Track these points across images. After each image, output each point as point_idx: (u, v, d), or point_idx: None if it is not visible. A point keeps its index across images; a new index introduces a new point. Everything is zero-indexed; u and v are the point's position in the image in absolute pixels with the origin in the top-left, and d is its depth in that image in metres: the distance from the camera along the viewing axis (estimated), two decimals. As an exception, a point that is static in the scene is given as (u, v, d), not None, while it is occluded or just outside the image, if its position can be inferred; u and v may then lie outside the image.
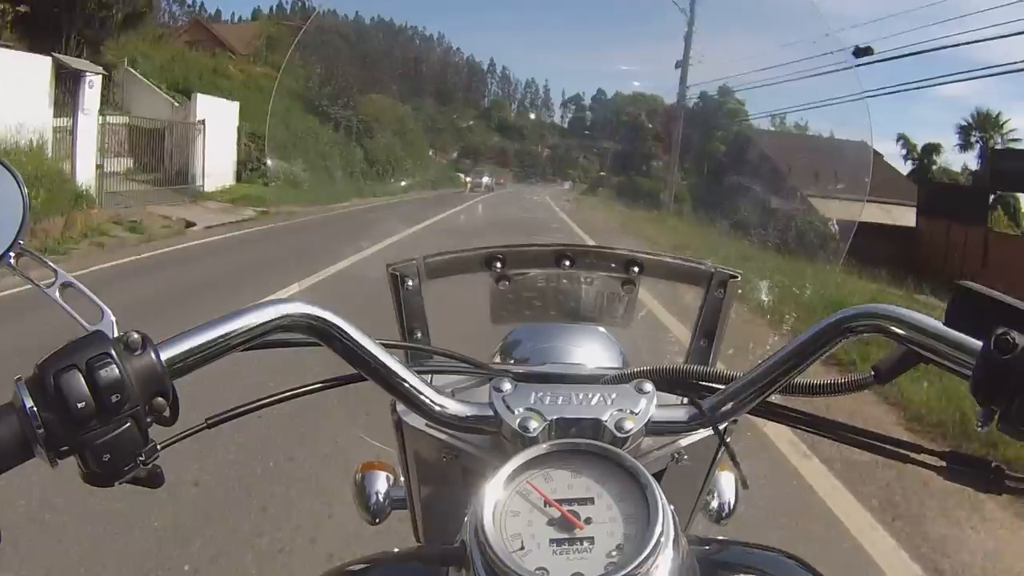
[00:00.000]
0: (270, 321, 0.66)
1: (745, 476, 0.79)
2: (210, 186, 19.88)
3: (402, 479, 0.99)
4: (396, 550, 0.82)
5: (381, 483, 1.13)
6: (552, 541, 0.60)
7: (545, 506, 0.62)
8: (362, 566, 0.78)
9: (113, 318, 0.64)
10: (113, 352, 0.58)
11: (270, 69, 30.15)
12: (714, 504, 1.14)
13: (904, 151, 43.13)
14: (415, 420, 0.80)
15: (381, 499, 1.12)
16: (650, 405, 0.73)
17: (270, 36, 34.38)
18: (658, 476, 0.81)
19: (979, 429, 0.65)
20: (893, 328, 0.69)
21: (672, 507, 0.63)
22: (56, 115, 14.80)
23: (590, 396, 0.73)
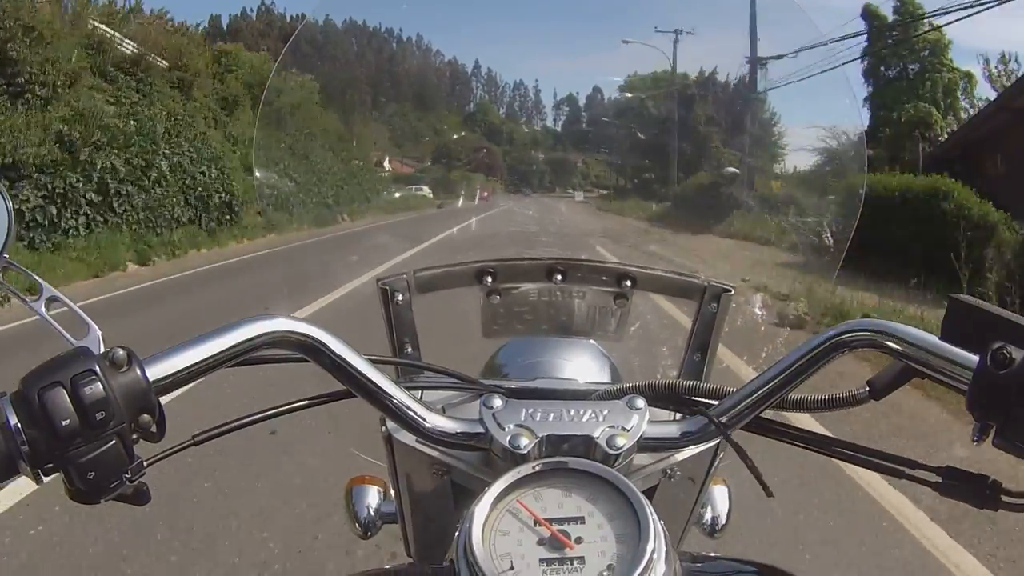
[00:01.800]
0: (257, 337, 0.66)
1: (764, 483, 0.78)
2: None
3: (393, 493, 0.98)
4: (386, 567, 0.81)
5: (372, 497, 1.12)
6: (542, 561, 0.59)
7: (535, 525, 0.61)
8: None
9: (99, 333, 0.63)
10: (98, 369, 0.58)
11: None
12: (707, 518, 1.13)
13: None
14: (405, 436, 0.79)
15: (372, 513, 1.11)
16: (642, 421, 0.73)
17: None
18: (650, 492, 0.80)
19: (974, 443, 0.64)
20: (889, 343, 0.69)
21: (664, 524, 0.62)
22: None
23: (581, 412, 0.73)
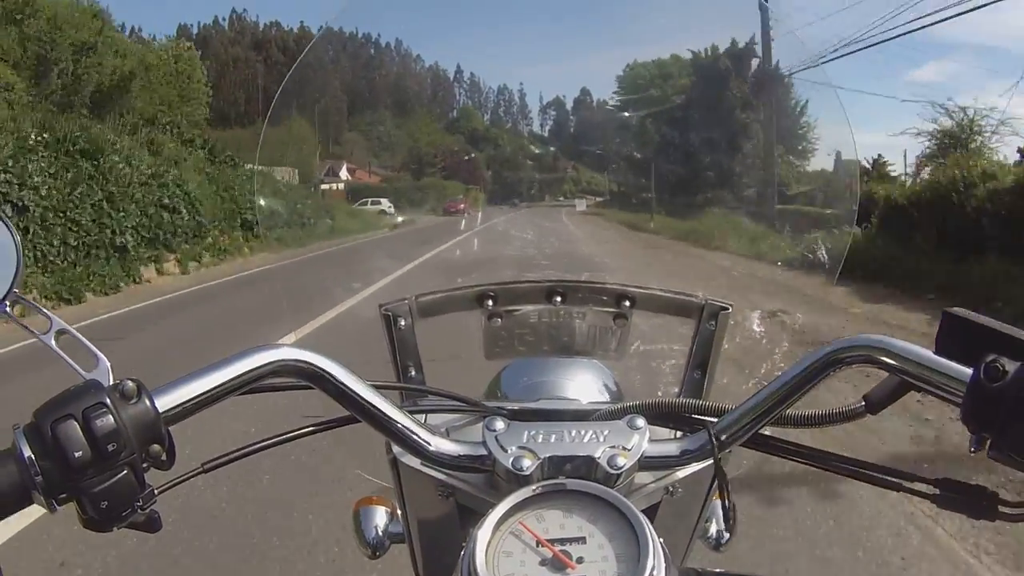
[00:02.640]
0: (262, 366, 0.67)
1: (734, 510, 0.79)
2: None
3: (400, 514, 0.99)
4: None
5: (380, 518, 1.13)
6: None
7: (537, 546, 0.62)
8: None
9: (108, 365, 0.65)
10: (109, 401, 0.59)
11: None
12: (712, 532, 1.14)
13: None
14: (410, 459, 0.80)
15: (380, 533, 1.12)
16: (643, 441, 0.74)
17: None
18: (653, 509, 0.81)
19: (971, 454, 0.65)
20: (884, 358, 0.69)
21: (664, 542, 0.63)
22: None
23: (583, 433, 0.74)
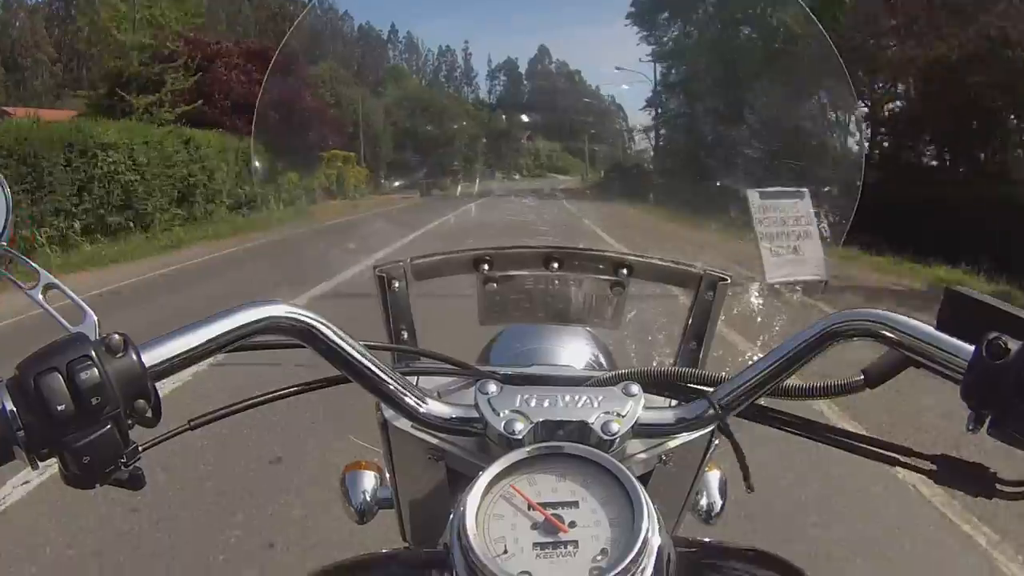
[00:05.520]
0: (253, 323, 0.66)
1: (726, 483, 0.78)
2: None
3: (388, 479, 0.98)
4: (383, 551, 0.81)
5: (368, 482, 1.12)
6: (536, 545, 0.59)
7: (529, 510, 0.62)
8: (345, 568, 0.78)
9: (95, 319, 0.64)
10: (94, 354, 0.58)
11: None
12: (702, 504, 1.14)
13: None
14: (401, 422, 0.80)
15: (368, 499, 1.11)
16: (637, 407, 0.73)
17: None
18: (645, 478, 0.81)
19: (968, 432, 0.65)
20: (885, 332, 0.69)
21: (658, 509, 0.63)
22: None
23: (576, 398, 0.73)
